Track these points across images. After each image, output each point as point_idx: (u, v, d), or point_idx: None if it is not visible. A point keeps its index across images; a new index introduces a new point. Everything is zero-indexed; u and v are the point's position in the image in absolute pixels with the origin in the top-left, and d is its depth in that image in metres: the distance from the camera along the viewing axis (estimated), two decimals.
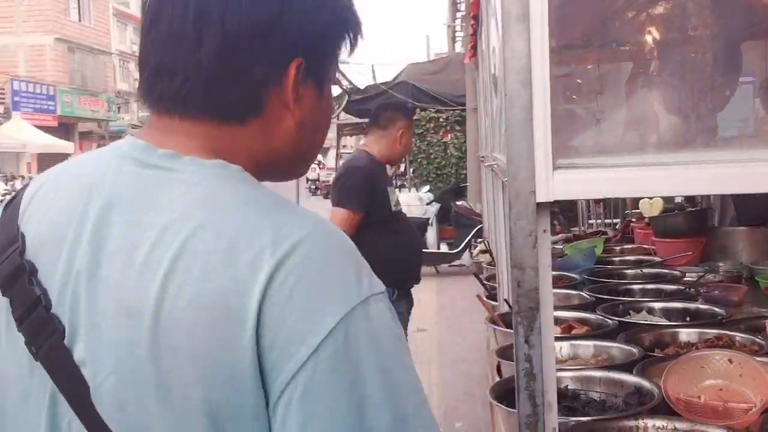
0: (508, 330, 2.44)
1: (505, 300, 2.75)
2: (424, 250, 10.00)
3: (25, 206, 0.84)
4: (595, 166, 1.30)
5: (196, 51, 0.79)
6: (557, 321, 2.62)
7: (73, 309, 0.75)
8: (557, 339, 2.35)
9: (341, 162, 12.85)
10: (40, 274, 0.78)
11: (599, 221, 7.55)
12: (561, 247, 4.42)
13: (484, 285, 3.19)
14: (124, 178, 0.80)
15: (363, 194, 3.37)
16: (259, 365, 0.69)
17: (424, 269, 10.26)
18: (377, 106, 3.71)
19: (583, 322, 2.58)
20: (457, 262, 9.92)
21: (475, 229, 9.36)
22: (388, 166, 3.78)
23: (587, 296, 2.96)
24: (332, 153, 27.90)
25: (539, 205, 1.29)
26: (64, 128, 35.10)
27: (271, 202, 0.78)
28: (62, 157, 31.77)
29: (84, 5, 38.39)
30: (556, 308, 2.84)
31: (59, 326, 0.75)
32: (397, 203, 3.53)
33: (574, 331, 2.48)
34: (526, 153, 1.27)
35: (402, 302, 3.46)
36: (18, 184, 27.04)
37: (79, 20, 37.92)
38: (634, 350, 2.13)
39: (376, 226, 3.38)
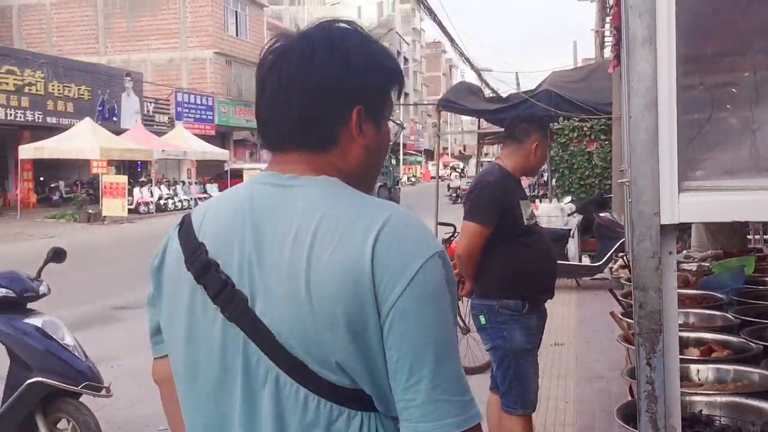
0: None
1: None
2: (563, 262, 9.82)
3: (197, 226, 1.22)
4: (723, 188, 1.27)
5: (287, 107, 1.19)
6: (697, 343, 2.53)
7: (250, 284, 1.14)
8: (695, 362, 2.27)
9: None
10: (221, 267, 1.16)
11: (757, 236, 7.08)
12: (708, 264, 4.22)
13: (620, 302, 3.11)
14: (265, 196, 1.18)
15: (492, 209, 3.36)
16: (375, 296, 1.06)
17: (565, 282, 10.06)
18: (511, 118, 3.68)
19: (724, 345, 2.47)
20: (598, 276, 9.63)
21: (619, 242, 9.04)
22: (525, 178, 3.75)
23: (732, 318, 2.83)
24: (473, 161, 27.90)
25: (663, 227, 1.28)
26: (220, 137, 37.34)
27: (361, 198, 1.17)
28: (218, 164, 33.87)
29: (241, 21, 40.69)
30: (697, 329, 2.74)
31: (243, 296, 1.14)
32: (531, 216, 3.50)
33: (714, 354, 2.39)
34: (650, 175, 1.27)
35: (533, 316, 3.43)
36: (179, 189, 29.04)
37: (237, 35, 40.20)
38: None
39: (508, 239, 3.37)
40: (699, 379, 2.20)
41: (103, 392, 4.13)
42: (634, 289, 1.30)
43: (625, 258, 4.76)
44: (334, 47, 1.18)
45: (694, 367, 2.21)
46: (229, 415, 1.16)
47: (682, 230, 10.74)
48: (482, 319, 3.45)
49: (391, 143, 1.30)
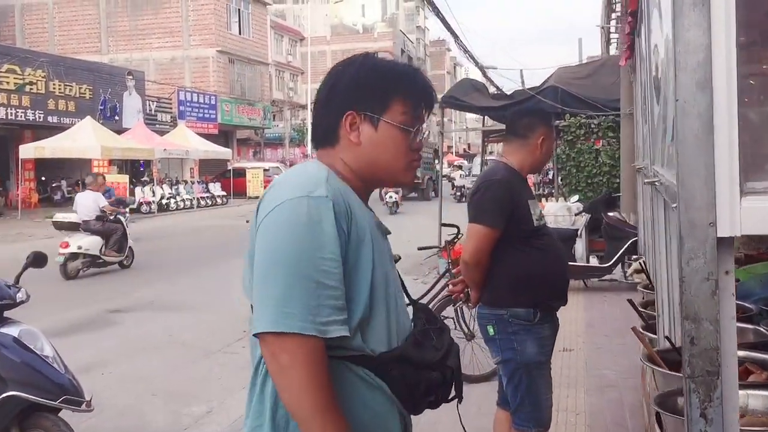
0: (671, 372, 2.10)
1: (666, 337, 2.37)
2: (571, 263, 9.51)
3: None
4: None
5: (313, 120, 1.70)
6: None
7: None
8: None
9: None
10: None
11: None
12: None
13: (640, 314, 2.82)
14: None
15: (500, 210, 3.07)
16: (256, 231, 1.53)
17: (572, 283, 9.73)
18: (512, 113, 3.40)
19: (761, 365, 2.19)
20: (607, 277, 9.33)
21: (629, 243, 8.75)
22: (530, 175, 3.47)
23: (765, 332, 2.55)
24: (478, 160, 27.55)
25: (721, 241, 1.01)
26: (223, 135, 37.02)
27: (296, 170, 1.60)
28: (221, 162, 33.58)
29: (244, 19, 40.40)
30: None
31: None
32: (540, 217, 3.22)
33: (751, 377, 2.11)
34: (704, 173, 1.00)
35: (546, 325, 3.15)
36: (181, 189, 28.77)
37: (240, 33, 39.91)
38: None
39: (517, 242, 3.09)
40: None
41: (83, 407, 3.87)
42: (684, 319, 1.02)
43: (641, 263, 4.46)
44: (329, 77, 1.65)
45: None
46: None
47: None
48: (491, 330, 3.17)
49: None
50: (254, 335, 1.42)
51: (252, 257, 1.48)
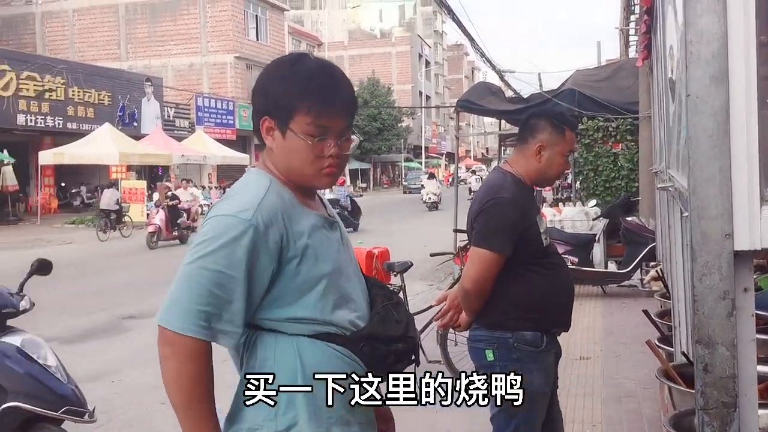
0: (687, 390, 1.97)
1: (683, 353, 2.22)
2: (589, 269, 9.34)
3: None
4: None
5: None
6: None
7: None
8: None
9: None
10: None
11: None
12: (755, 277, 3.78)
13: (656, 325, 2.67)
14: None
15: (510, 234, 2.76)
16: None
17: (590, 289, 9.57)
18: (527, 114, 3.16)
19: None
20: (626, 283, 9.15)
21: (647, 248, 8.57)
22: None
23: None
24: (495, 164, 27.28)
25: (738, 255, 0.89)
26: (241, 141, 37.11)
27: (240, 184, 1.69)
28: (239, 168, 33.61)
29: (261, 25, 40.54)
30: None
31: None
32: (546, 232, 2.92)
33: None
34: (719, 179, 0.88)
35: (551, 352, 2.83)
36: (199, 194, 28.85)
37: (257, 39, 40.05)
38: None
39: (526, 263, 2.80)
40: (759, 429, 1.79)
41: (86, 417, 3.79)
42: (696, 343, 0.91)
43: (659, 270, 4.31)
44: (259, 76, 1.69)
45: None
46: None
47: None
48: (489, 355, 2.82)
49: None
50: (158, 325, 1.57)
51: None
